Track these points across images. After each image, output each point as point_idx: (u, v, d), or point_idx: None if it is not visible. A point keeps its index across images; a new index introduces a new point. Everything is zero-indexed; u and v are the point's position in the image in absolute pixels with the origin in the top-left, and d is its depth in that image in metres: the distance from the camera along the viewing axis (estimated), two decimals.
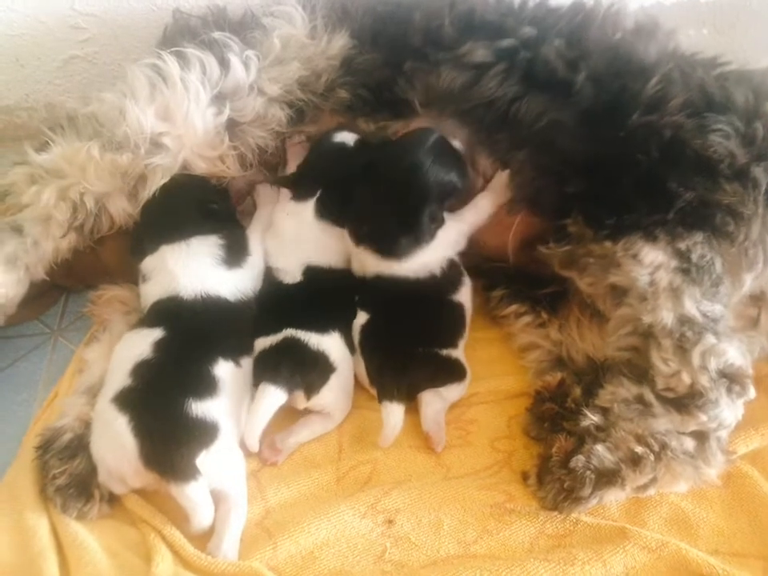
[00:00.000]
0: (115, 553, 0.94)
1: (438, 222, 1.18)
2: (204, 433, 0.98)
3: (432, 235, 1.16)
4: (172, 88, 1.16)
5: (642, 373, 1.04)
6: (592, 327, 1.17)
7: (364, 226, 1.18)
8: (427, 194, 1.16)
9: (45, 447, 1.01)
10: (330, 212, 1.21)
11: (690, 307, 1.03)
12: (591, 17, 1.24)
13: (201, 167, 1.22)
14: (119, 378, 1.01)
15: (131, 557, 0.94)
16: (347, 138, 1.25)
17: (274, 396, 1.04)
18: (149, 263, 1.14)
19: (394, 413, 1.08)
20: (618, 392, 1.04)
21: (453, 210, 1.24)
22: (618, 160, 1.10)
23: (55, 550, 0.94)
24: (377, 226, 1.17)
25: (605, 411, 1.03)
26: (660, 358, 1.01)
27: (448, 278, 1.20)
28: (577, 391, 1.08)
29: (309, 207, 1.21)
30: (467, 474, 1.08)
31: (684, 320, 1.02)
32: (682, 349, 1.01)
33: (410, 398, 1.13)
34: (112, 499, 1.00)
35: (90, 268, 1.26)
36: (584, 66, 1.19)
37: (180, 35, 1.29)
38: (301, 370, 1.07)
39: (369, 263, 1.19)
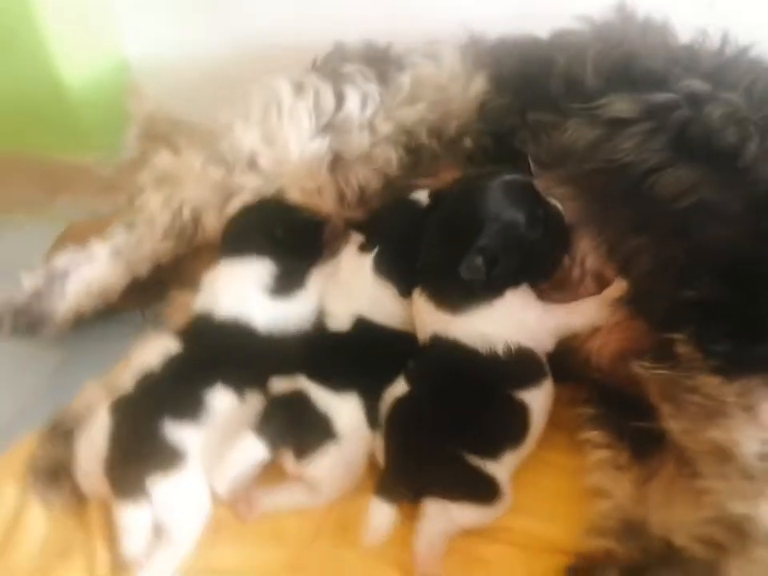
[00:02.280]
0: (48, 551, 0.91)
1: (502, 280, 0.96)
2: (168, 458, 0.91)
3: (486, 287, 0.95)
4: (279, 113, 1.15)
5: None
6: (688, 496, 0.82)
7: (422, 267, 1.02)
8: (479, 228, 0.95)
9: (51, 423, 1.03)
10: (387, 270, 1.06)
11: None
12: None
13: (296, 197, 1.18)
14: (128, 382, 1.00)
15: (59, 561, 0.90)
16: (422, 196, 1.09)
17: (251, 447, 0.92)
18: (208, 274, 1.12)
19: (380, 512, 0.88)
20: None
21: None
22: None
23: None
24: (430, 264, 1.01)
25: None
26: (738, 570, 0.65)
27: (514, 366, 0.96)
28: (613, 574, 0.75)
29: (368, 260, 1.07)
30: None
31: None
32: None
33: (416, 499, 0.91)
34: (83, 499, 0.97)
35: (190, 274, 1.30)
36: (765, 134, 0.86)
37: (325, 64, 1.28)
38: (294, 427, 0.94)
39: (426, 318, 1.01)
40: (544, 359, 0.99)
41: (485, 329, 0.96)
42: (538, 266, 1.01)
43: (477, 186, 1.00)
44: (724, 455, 0.71)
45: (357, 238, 1.12)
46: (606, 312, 0.95)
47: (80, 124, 1.76)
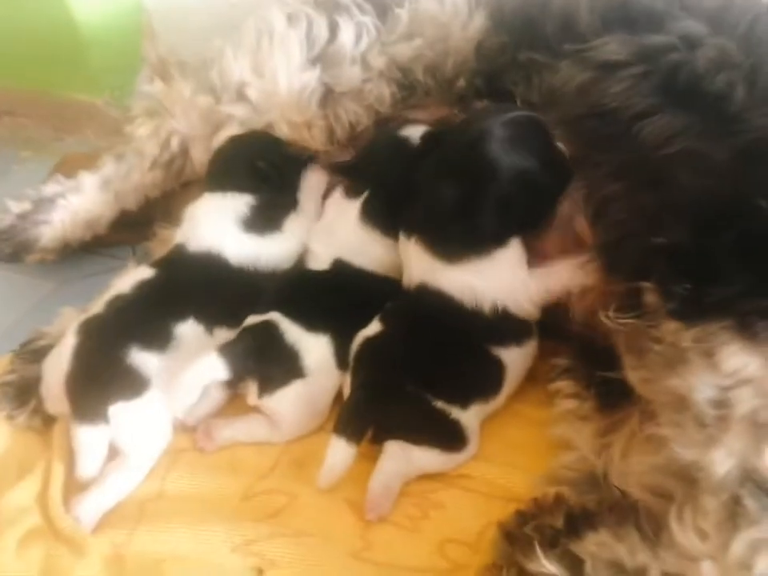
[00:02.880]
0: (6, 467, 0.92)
1: (510, 228, 0.91)
2: (130, 383, 0.90)
3: (498, 235, 0.91)
4: (270, 42, 1.12)
5: (659, 532, 0.65)
6: (646, 446, 0.77)
7: (418, 211, 0.97)
8: (492, 173, 0.90)
9: (24, 344, 1.04)
10: (376, 217, 1.02)
11: None
12: None
13: (284, 131, 1.14)
14: (99, 304, 1.00)
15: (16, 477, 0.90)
16: (414, 132, 1.04)
17: (212, 365, 0.89)
18: (189, 209, 1.09)
19: (337, 450, 0.85)
20: (612, 548, 0.66)
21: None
22: (740, 203, 0.71)
23: None
24: (431, 210, 0.95)
25: (575, 566, 0.66)
26: (684, 520, 0.61)
27: (498, 323, 0.92)
28: (558, 521, 0.72)
29: (354, 206, 1.04)
30: (385, 564, 0.80)
31: (751, 477, 0.60)
32: (728, 521, 0.59)
33: (377, 440, 0.89)
34: (48, 419, 0.97)
35: (179, 210, 1.29)
36: (756, 79, 0.81)
37: None
38: (259, 356, 0.92)
39: (416, 266, 0.97)
40: (531, 320, 0.95)
41: (475, 283, 0.92)
42: (544, 208, 0.95)
43: (484, 126, 0.94)
44: (681, 403, 0.67)
45: (343, 182, 1.09)
46: (582, 277, 0.89)
47: (92, 64, 1.75)
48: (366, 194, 1.03)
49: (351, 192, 1.06)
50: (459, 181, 0.93)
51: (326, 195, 1.15)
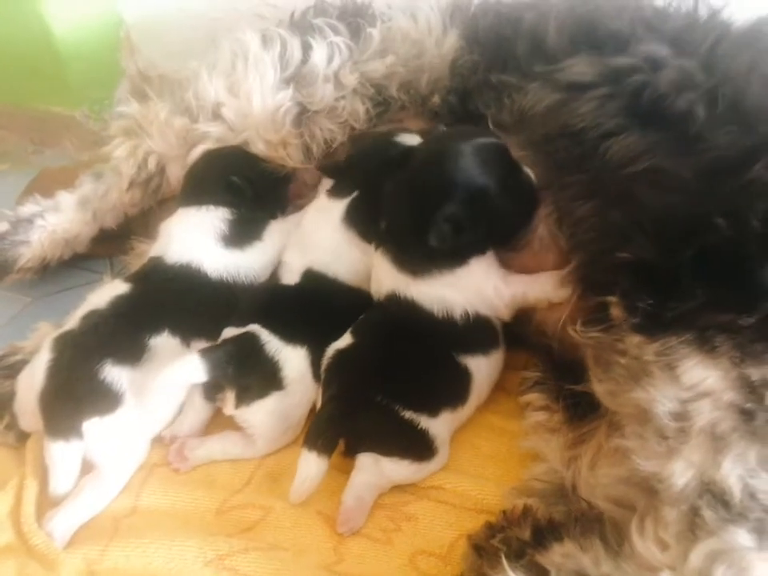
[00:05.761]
0: None
1: (468, 248, 0.94)
2: (104, 398, 0.90)
3: (451, 254, 0.93)
4: (245, 64, 1.13)
5: (622, 543, 0.66)
6: (612, 459, 0.79)
7: (384, 223, 0.99)
8: (448, 193, 0.91)
9: None
10: (359, 219, 1.03)
11: (730, 473, 0.62)
12: (754, 33, 0.86)
13: (260, 149, 1.16)
14: (73, 319, 1.00)
15: None
16: (408, 140, 1.05)
17: (192, 366, 0.89)
18: (164, 223, 1.11)
19: (308, 464, 0.85)
20: (577, 559, 0.67)
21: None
22: (700, 220, 0.74)
23: None
24: (395, 226, 0.97)
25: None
26: (645, 531, 0.63)
27: (466, 332, 0.94)
28: (525, 533, 0.73)
29: (338, 208, 1.05)
30: None
31: (710, 488, 0.62)
32: (687, 532, 0.61)
33: (349, 452, 0.91)
34: (22, 435, 0.97)
35: (157, 226, 1.29)
36: (717, 99, 0.83)
37: (301, 18, 1.25)
38: (239, 364, 0.92)
39: (385, 275, 0.98)
40: (499, 330, 0.98)
41: (444, 293, 0.94)
42: (504, 232, 0.98)
43: (449, 148, 0.97)
44: (644, 416, 0.69)
45: (326, 185, 1.10)
46: (564, 289, 0.92)
47: (71, 77, 1.75)
48: (354, 196, 1.04)
49: (335, 193, 1.07)
50: (418, 201, 0.95)
51: (304, 203, 1.17)
